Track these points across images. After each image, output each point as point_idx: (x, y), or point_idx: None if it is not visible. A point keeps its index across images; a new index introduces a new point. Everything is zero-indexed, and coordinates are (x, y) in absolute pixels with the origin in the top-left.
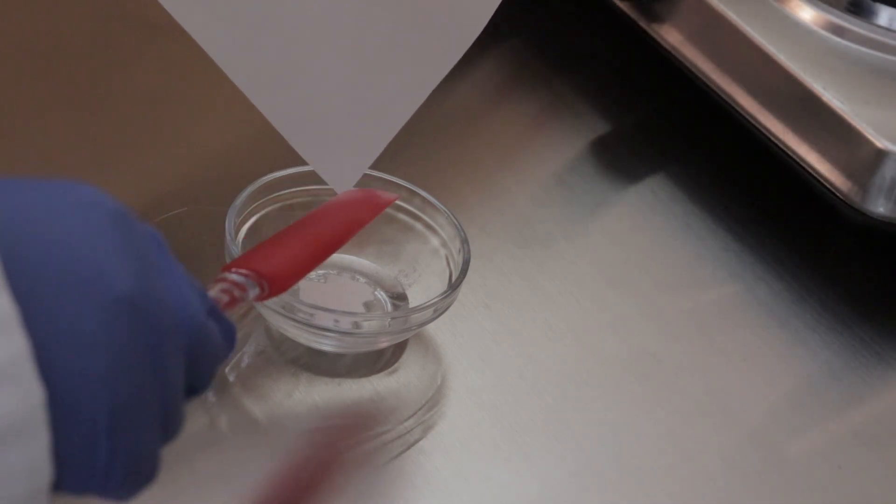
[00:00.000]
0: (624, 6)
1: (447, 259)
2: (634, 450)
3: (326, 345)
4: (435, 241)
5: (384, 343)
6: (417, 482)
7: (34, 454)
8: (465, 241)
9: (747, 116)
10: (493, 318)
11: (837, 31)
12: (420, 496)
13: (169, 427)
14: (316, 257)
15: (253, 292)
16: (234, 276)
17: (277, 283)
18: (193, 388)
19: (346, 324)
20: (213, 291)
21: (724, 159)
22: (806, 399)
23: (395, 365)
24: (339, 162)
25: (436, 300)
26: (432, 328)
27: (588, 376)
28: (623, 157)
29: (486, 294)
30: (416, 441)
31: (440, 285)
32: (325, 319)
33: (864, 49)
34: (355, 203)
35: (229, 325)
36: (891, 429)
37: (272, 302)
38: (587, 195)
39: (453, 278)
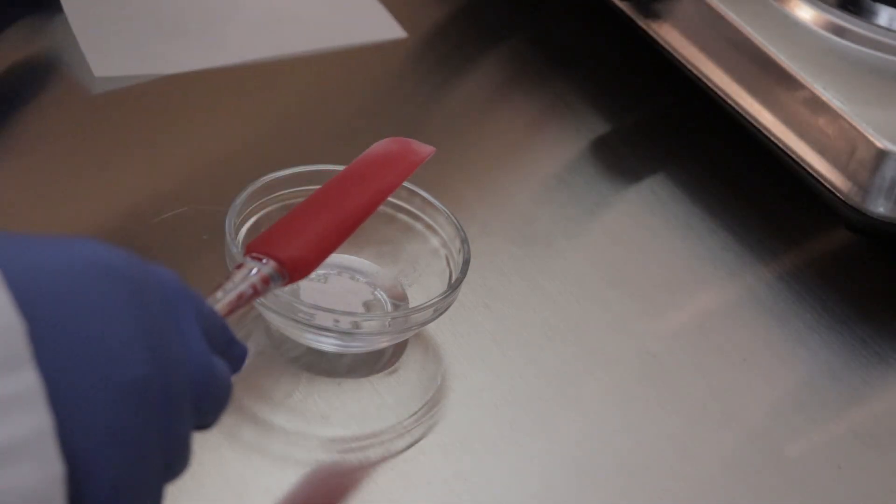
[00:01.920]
0: (624, 6)
1: (447, 259)
2: (634, 450)
3: (326, 345)
4: (435, 241)
5: (384, 343)
6: (417, 482)
7: None
8: (465, 241)
9: (747, 116)
10: (493, 318)
11: (837, 31)
12: (420, 496)
13: (174, 469)
14: (340, 237)
15: (276, 284)
16: (260, 267)
17: (299, 272)
18: (202, 426)
19: (346, 324)
20: (242, 285)
21: (724, 159)
22: (806, 399)
23: (395, 365)
24: (109, 54)
25: (436, 300)
26: (432, 328)
27: (588, 376)
28: (623, 157)
29: (486, 294)
30: (416, 441)
31: (440, 285)
32: (325, 319)
33: (864, 49)
34: (385, 163)
35: (242, 350)
36: (891, 429)
37: (272, 302)
38: (587, 195)
39: (453, 278)
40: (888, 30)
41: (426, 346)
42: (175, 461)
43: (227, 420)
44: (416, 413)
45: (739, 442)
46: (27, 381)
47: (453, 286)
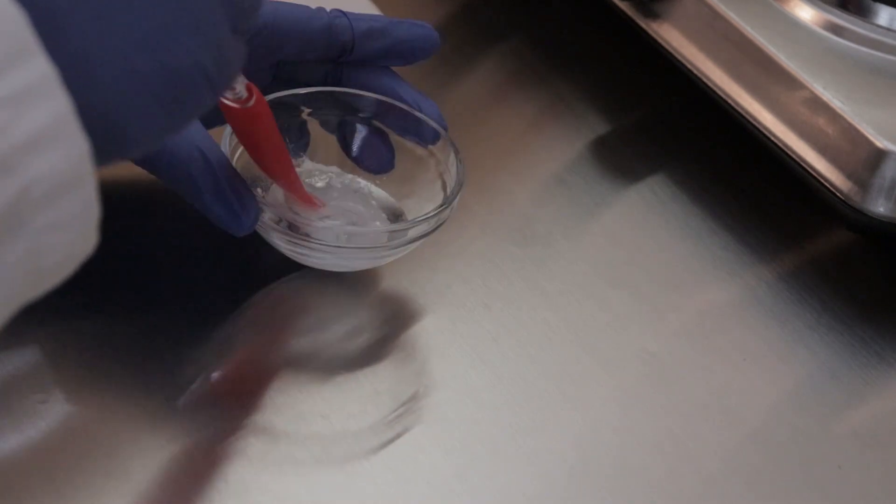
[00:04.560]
0: (624, 6)
1: (439, 174)
2: (634, 450)
3: (326, 259)
4: (421, 151)
5: (389, 258)
6: (417, 482)
7: (85, 198)
8: (456, 152)
9: (747, 116)
10: (493, 318)
11: (837, 31)
12: (420, 496)
13: (213, 76)
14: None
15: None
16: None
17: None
18: (241, 29)
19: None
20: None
21: (724, 159)
22: (806, 399)
23: (395, 364)
24: None
25: (435, 212)
26: (432, 328)
27: (588, 376)
28: (623, 157)
29: (486, 294)
30: (416, 440)
31: (436, 197)
32: (326, 234)
33: (864, 49)
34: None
35: None
36: (891, 429)
37: (274, 221)
38: (587, 195)
39: (448, 189)
40: (888, 30)
41: (425, 345)
42: (215, 65)
43: (222, 426)
44: (416, 413)
45: (739, 442)
46: (38, 69)
47: (453, 195)
